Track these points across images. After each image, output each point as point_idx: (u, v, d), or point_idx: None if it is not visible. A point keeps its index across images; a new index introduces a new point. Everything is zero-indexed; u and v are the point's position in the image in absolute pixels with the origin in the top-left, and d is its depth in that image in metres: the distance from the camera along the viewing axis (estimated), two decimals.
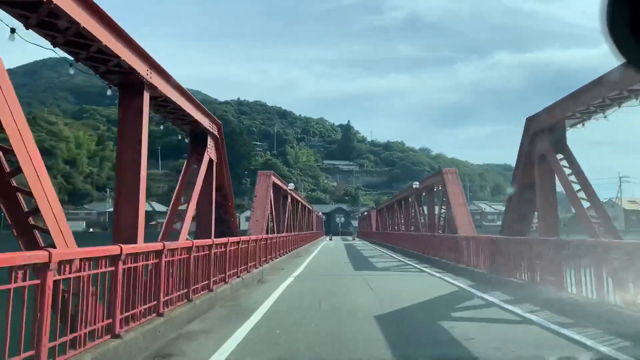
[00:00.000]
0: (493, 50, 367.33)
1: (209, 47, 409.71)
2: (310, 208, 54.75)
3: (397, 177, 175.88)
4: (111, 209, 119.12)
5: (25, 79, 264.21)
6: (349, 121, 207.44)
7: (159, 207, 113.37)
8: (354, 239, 67.76)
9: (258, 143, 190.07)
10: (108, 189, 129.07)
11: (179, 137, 14.91)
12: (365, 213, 72.10)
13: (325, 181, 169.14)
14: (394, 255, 28.28)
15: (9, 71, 5.91)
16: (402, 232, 35.97)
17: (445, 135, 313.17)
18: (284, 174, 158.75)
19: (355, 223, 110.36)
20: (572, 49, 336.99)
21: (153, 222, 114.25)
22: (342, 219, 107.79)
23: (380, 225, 53.17)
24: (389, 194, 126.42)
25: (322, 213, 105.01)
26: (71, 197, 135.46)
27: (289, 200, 32.09)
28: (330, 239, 67.16)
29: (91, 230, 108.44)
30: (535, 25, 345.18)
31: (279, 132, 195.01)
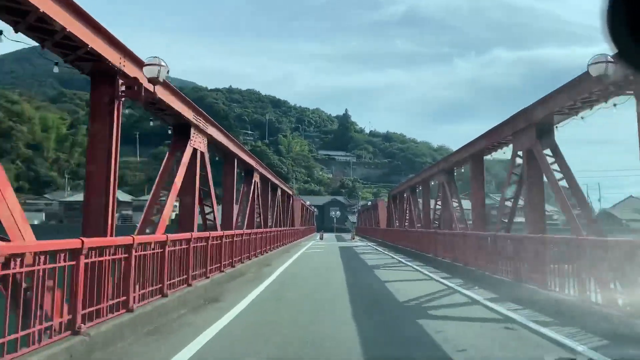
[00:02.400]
0: (491, 47, 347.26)
1: (206, 41, 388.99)
2: (289, 192, 34.98)
3: (397, 170, 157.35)
4: (70, 199, 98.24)
5: (14, 65, 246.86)
6: (346, 110, 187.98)
7: (123, 197, 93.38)
8: (353, 238, 48.22)
9: (249, 132, 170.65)
10: (67, 177, 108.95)
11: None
12: (369, 203, 52.27)
13: (320, 173, 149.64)
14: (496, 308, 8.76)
15: None
16: (472, 231, 15.86)
17: (443, 130, 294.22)
18: (273, 163, 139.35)
19: (353, 218, 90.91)
20: (570, 46, 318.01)
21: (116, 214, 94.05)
22: (338, 212, 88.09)
23: (397, 219, 33.69)
24: (389, 187, 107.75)
25: (315, 206, 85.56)
26: (33, 185, 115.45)
27: (197, 156, 11.93)
28: (321, 238, 47.45)
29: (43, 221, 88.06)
30: (533, 23, 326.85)
31: (272, 121, 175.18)
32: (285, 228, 29.48)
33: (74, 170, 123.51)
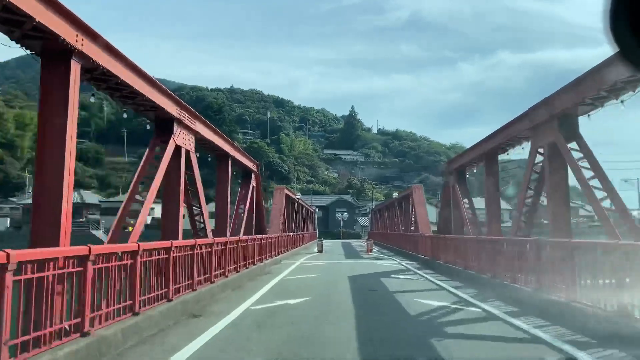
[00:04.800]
0: (496, 50, 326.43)
1: (210, 48, 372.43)
2: (249, 165, 16.17)
3: (409, 169, 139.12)
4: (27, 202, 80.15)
5: (17, 71, 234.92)
6: (352, 107, 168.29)
7: (90, 198, 75.48)
8: (370, 251, 29.55)
9: (249, 131, 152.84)
10: (28, 174, 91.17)
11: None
12: (395, 195, 33.38)
13: (325, 172, 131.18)
14: None
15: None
16: None
17: (450, 134, 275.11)
18: (273, 161, 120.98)
19: (363, 221, 72.62)
20: (575, 48, 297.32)
21: (82, 219, 74.79)
22: (345, 214, 69.43)
23: (468, 217, 15.05)
24: (401, 188, 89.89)
25: (318, 207, 67.35)
26: (1, 188, 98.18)
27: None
28: (320, 250, 28.97)
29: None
30: (538, 25, 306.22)
31: (274, 119, 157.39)
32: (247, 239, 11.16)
33: None
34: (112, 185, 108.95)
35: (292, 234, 27.82)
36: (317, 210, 59.27)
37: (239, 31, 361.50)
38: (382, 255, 27.38)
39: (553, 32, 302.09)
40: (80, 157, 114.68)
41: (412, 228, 27.15)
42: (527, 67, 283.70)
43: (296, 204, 32.92)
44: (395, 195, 32.59)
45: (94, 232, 59.41)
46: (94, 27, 7.03)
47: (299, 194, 33.05)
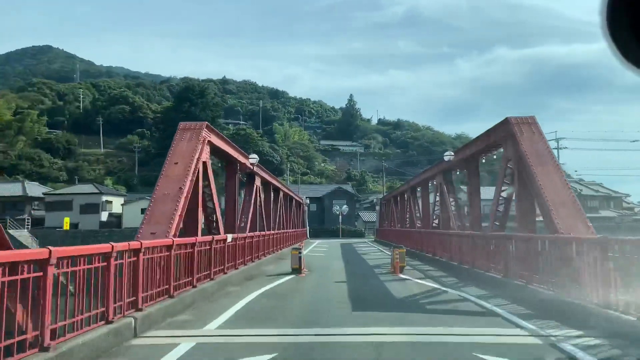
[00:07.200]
0: (493, 46, 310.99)
1: (207, 46, 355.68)
2: None
3: (412, 160, 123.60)
4: None
5: (5, 66, 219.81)
6: (351, 95, 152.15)
7: (33, 190, 59.39)
8: (399, 270, 13.94)
9: (241, 122, 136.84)
10: None
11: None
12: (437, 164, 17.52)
13: (322, 164, 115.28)
14: None
15: None
16: None
17: (449, 130, 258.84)
18: (264, 151, 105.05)
19: (368, 216, 57.35)
20: (572, 44, 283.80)
21: (22, 217, 56.86)
22: (345, 207, 53.75)
23: None
24: (403, 180, 74.66)
25: (311, 199, 51.78)
26: None
27: None
28: (299, 269, 13.30)
29: None
30: (535, 20, 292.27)
31: (267, 109, 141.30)
32: None
33: (14, 163, 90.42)
34: (85, 178, 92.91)
35: (242, 236, 12.26)
36: (307, 200, 43.83)
37: (235, 29, 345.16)
38: (434, 286, 11.61)
39: (550, 27, 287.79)
40: (49, 148, 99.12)
41: (510, 223, 11.37)
42: (525, 62, 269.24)
43: (258, 178, 17.24)
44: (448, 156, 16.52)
45: (13, 231, 42.80)
46: None
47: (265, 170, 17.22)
